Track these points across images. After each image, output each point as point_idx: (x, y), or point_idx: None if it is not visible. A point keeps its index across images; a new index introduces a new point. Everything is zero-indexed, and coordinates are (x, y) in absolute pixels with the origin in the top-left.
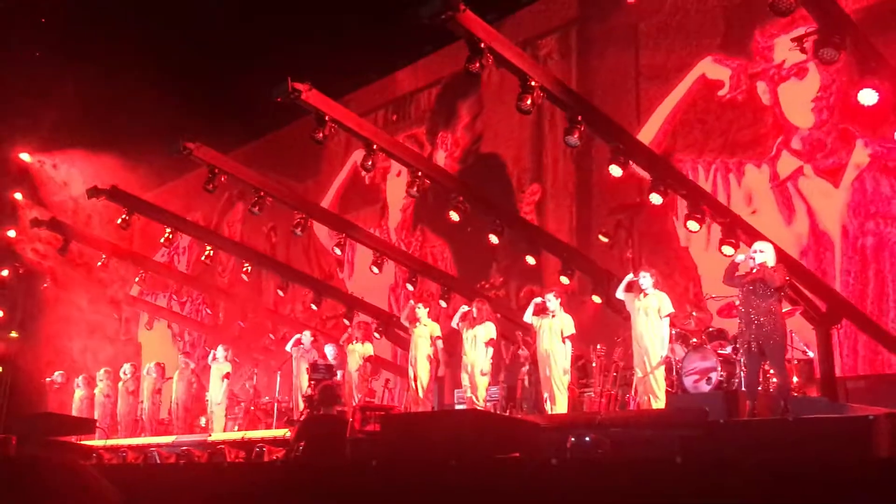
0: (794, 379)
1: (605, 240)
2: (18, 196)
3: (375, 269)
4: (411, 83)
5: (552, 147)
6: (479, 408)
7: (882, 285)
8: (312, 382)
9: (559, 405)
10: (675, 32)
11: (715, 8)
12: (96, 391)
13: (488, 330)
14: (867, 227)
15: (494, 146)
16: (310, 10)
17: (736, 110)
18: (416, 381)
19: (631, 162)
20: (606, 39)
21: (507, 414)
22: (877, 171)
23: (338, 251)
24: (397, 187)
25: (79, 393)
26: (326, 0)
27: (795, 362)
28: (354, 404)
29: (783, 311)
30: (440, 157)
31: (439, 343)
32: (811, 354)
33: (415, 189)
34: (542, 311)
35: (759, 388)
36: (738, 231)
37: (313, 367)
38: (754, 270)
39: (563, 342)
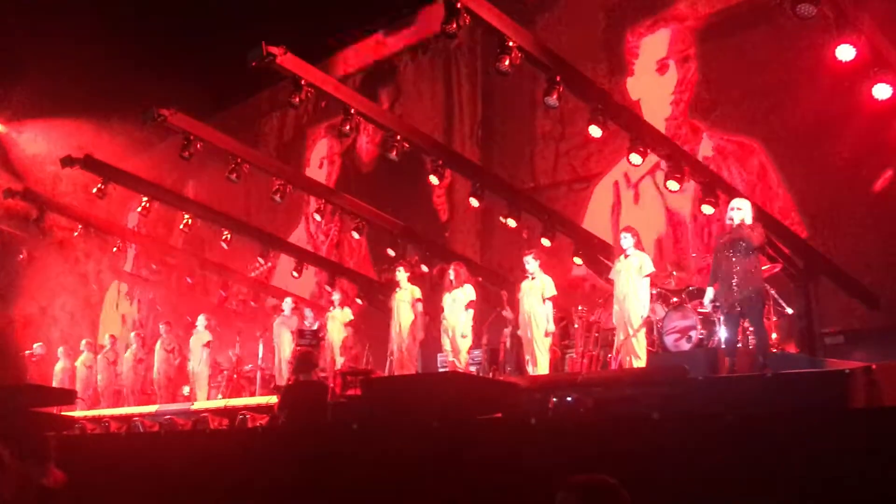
0: (773, 336)
1: (504, 221)
2: None
3: (356, 234)
4: (341, 69)
5: (460, 132)
6: (460, 370)
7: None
8: (300, 348)
9: (541, 366)
10: (566, 28)
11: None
12: (77, 362)
13: (467, 293)
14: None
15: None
16: None
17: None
18: (398, 345)
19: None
20: None
21: (490, 376)
22: (720, 161)
23: (318, 217)
24: (318, 176)
25: (60, 364)
26: None
27: (774, 319)
28: (336, 369)
29: (762, 268)
30: (362, 142)
31: (419, 306)
32: (789, 311)
33: (394, 153)
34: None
35: (739, 346)
36: (718, 190)
37: (300, 334)
38: (732, 228)
39: (544, 303)
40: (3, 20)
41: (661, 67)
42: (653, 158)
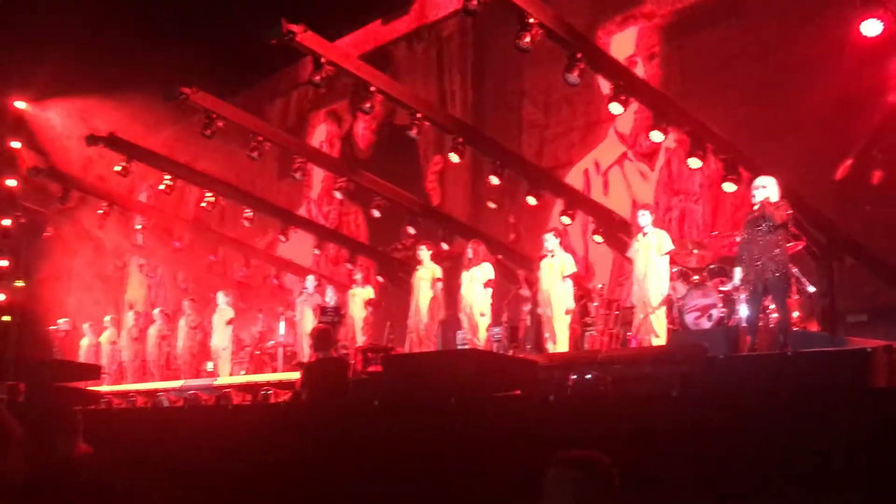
0: (795, 314)
1: (493, 206)
2: (16, 145)
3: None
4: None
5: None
6: (480, 348)
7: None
8: (320, 325)
9: (560, 344)
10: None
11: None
12: (102, 338)
13: (485, 271)
14: (673, 202)
15: (405, 118)
16: None
17: (579, 95)
18: (416, 323)
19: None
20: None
21: (510, 354)
22: (682, 154)
23: (338, 195)
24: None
25: (85, 340)
26: None
27: (796, 297)
28: (357, 346)
29: (787, 245)
30: (359, 128)
31: (439, 286)
32: (811, 289)
33: (414, 131)
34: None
35: (760, 324)
36: (740, 167)
37: (322, 311)
38: (756, 206)
39: (563, 281)
40: (27, 3)
41: (630, 64)
42: (621, 148)
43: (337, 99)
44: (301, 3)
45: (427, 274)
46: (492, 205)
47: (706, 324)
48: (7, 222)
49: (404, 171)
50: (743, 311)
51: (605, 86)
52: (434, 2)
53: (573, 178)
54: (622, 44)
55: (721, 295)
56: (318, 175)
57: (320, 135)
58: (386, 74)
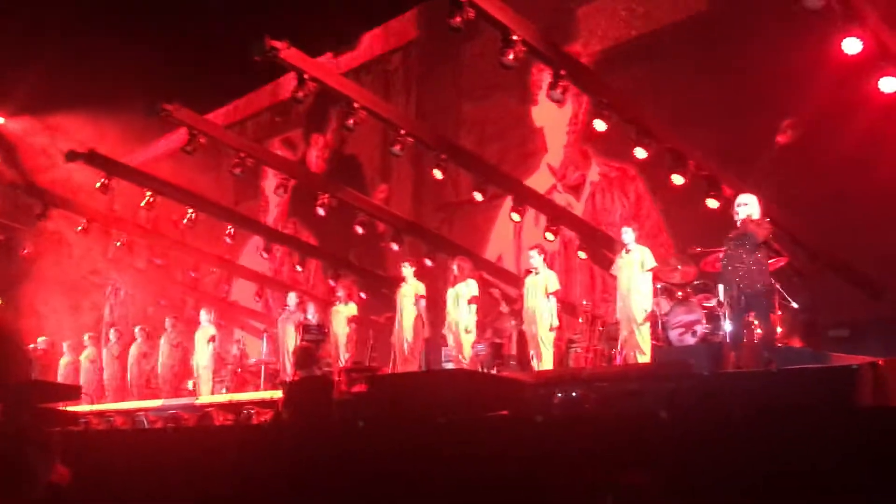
0: (778, 329)
1: (395, 247)
2: None
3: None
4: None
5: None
6: (465, 366)
7: (603, 280)
8: (303, 343)
9: (545, 361)
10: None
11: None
12: (82, 357)
13: (471, 287)
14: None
15: (354, 148)
16: None
17: (513, 129)
18: (400, 340)
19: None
20: (438, 60)
21: (495, 371)
22: (604, 187)
23: (321, 211)
24: (272, 185)
25: (64, 359)
26: None
27: (779, 313)
28: (341, 365)
29: (768, 262)
30: (312, 156)
31: (422, 302)
32: (794, 305)
33: (398, 148)
34: None
35: (744, 340)
36: (723, 184)
37: (305, 328)
38: (738, 224)
39: (548, 298)
40: (7, 15)
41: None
42: (551, 179)
43: (292, 127)
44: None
45: (410, 291)
46: (394, 246)
47: (690, 340)
48: None
49: (352, 188)
50: (727, 327)
51: (538, 120)
52: (380, 37)
53: (507, 206)
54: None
55: (705, 311)
56: (273, 199)
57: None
58: (339, 105)
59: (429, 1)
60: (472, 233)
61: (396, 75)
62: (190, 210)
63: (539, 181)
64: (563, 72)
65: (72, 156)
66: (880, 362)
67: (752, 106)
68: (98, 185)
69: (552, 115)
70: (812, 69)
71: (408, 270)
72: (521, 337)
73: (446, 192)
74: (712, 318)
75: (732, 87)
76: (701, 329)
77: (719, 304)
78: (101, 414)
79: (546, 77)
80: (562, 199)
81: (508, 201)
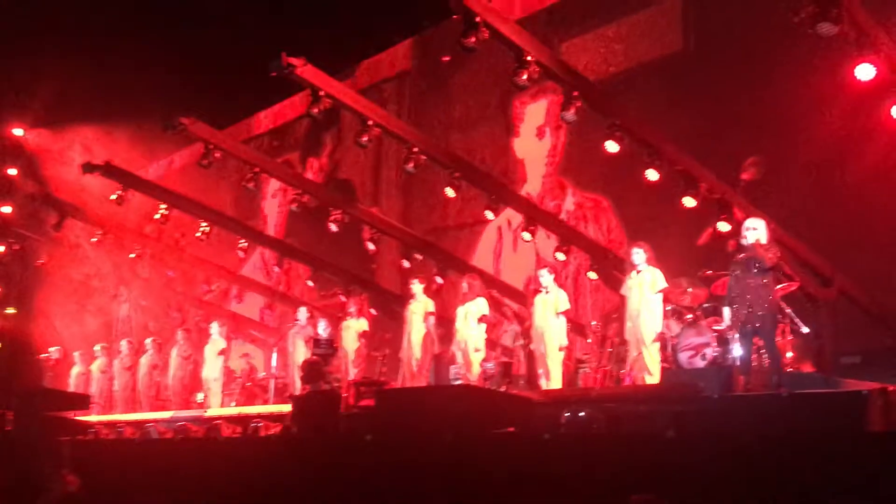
0: (789, 354)
1: (419, 257)
2: (13, 172)
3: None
4: (291, 113)
5: (387, 177)
6: (474, 384)
7: (581, 303)
8: (311, 358)
9: (554, 381)
10: (473, 89)
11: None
12: (93, 367)
13: (480, 306)
14: (570, 260)
15: (348, 173)
16: None
17: (497, 160)
18: (409, 357)
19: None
20: (428, 91)
21: (503, 389)
22: (579, 216)
23: (333, 227)
24: (272, 206)
25: (76, 369)
26: None
27: (790, 338)
28: (350, 380)
29: (778, 287)
30: (308, 178)
31: (431, 319)
32: (805, 330)
33: (411, 165)
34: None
35: (754, 364)
36: (734, 207)
37: (315, 343)
38: (746, 248)
39: (557, 317)
40: (27, 29)
41: (540, 133)
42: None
43: (289, 151)
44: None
45: (419, 308)
46: (418, 256)
47: (700, 363)
48: (1, 249)
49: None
50: (737, 350)
51: (519, 151)
52: (374, 67)
53: (489, 233)
54: (534, 114)
55: (715, 334)
56: (271, 219)
57: (275, 183)
58: (336, 128)
59: (422, 34)
60: (453, 257)
61: (389, 104)
62: (203, 223)
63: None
64: (575, 93)
65: (88, 168)
66: (891, 388)
67: (722, 139)
68: (114, 196)
69: (532, 147)
70: (803, 98)
71: (417, 287)
72: (530, 356)
73: (434, 217)
74: (722, 341)
75: (705, 120)
76: (711, 352)
77: (729, 326)
78: (110, 424)
79: (528, 111)
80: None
81: (491, 227)
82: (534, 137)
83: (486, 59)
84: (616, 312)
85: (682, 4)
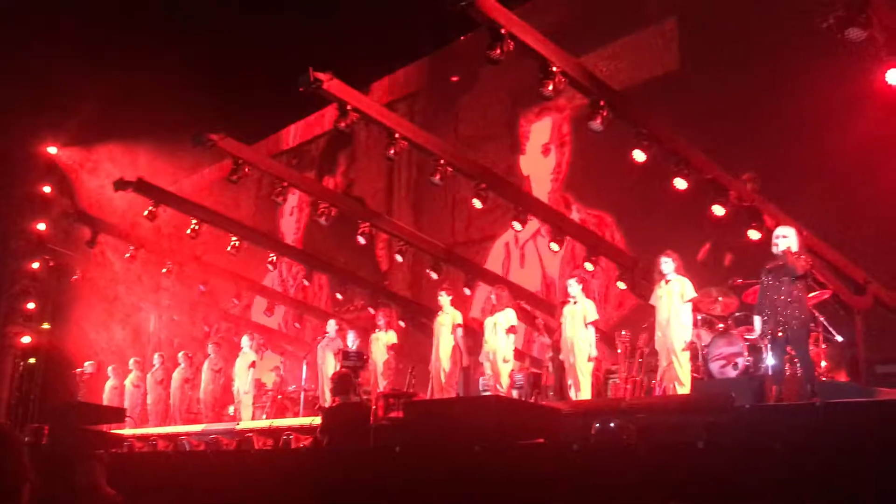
0: (823, 363)
1: (434, 276)
2: (47, 189)
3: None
4: (306, 134)
5: (398, 194)
6: (502, 395)
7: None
8: (341, 370)
9: (583, 391)
10: (481, 108)
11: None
12: (126, 381)
13: (508, 317)
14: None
15: (361, 191)
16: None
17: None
18: (437, 369)
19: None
20: (439, 110)
21: (532, 400)
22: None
23: (361, 240)
24: (289, 224)
25: (109, 383)
26: None
27: (823, 346)
28: (379, 392)
29: (809, 295)
30: None
31: (459, 331)
32: (839, 339)
33: (437, 177)
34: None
35: (787, 374)
36: (765, 215)
37: (344, 355)
38: (777, 257)
39: (586, 328)
40: (60, 49)
41: (545, 150)
42: (535, 224)
43: (306, 169)
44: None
45: (448, 320)
46: (433, 275)
47: (732, 372)
48: (36, 265)
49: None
50: (769, 360)
51: (525, 168)
52: (388, 86)
53: (497, 249)
54: (539, 132)
55: (747, 343)
56: (287, 237)
57: (292, 200)
58: (350, 148)
59: (433, 55)
60: (481, 269)
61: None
62: (234, 237)
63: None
64: (602, 102)
65: (120, 184)
66: None
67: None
68: (146, 213)
69: (538, 165)
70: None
71: (445, 299)
72: (559, 366)
73: (443, 234)
74: (754, 350)
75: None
76: (742, 361)
77: (760, 335)
78: (144, 437)
79: (534, 129)
80: (544, 242)
81: (499, 243)
82: (539, 154)
83: (493, 79)
84: (645, 322)
85: (678, 25)
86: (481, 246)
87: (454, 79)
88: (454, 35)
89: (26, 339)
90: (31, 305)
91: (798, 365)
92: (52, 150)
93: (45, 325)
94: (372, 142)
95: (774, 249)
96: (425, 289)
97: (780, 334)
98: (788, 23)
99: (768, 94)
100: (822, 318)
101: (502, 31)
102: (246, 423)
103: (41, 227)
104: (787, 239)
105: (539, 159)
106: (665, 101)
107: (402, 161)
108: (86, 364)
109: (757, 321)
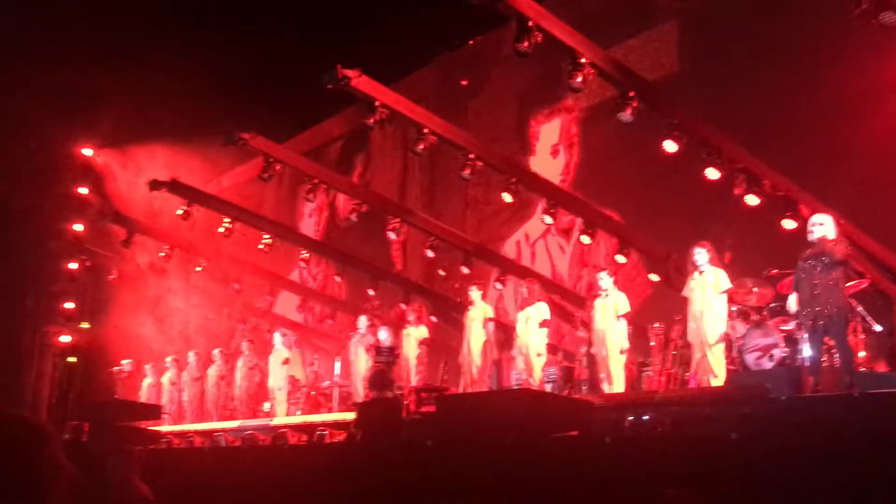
0: (862, 353)
1: (442, 273)
2: (83, 191)
3: (430, 253)
4: (323, 138)
5: (411, 195)
6: (534, 388)
7: None
8: (377, 365)
9: (616, 384)
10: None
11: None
12: (163, 379)
13: (541, 310)
14: (582, 273)
15: (380, 189)
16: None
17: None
18: (468, 364)
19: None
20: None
21: (566, 394)
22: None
23: (392, 235)
24: (308, 225)
25: (147, 380)
26: None
27: (862, 336)
28: (411, 386)
29: (847, 284)
30: (341, 198)
31: (490, 326)
32: (878, 328)
33: (467, 171)
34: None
35: (824, 364)
36: (801, 204)
37: (377, 350)
38: (814, 244)
39: (618, 321)
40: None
41: (554, 151)
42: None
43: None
44: None
45: (478, 314)
46: (441, 272)
47: (767, 364)
48: (73, 266)
49: (374, 238)
50: (806, 350)
51: (534, 169)
52: (398, 90)
53: (508, 248)
54: (549, 133)
55: (783, 334)
56: (308, 232)
57: (311, 204)
58: (366, 151)
59: (441, 58)
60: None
61: (412, 127)
62: (266, 236)
63: (536, 224)
64: (631, 93)
65: (155, 185)
66: None
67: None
68: (180, 212)
69: (547, 165)
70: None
71: (475, 294)
72: (591, 360)
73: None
74: (790, 341)
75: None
76: (778, 353)
77: (798, 325)
78: (181, 434)
79: (543, 130)
80: (554, 241)
81: (510, 242)
82: (548, 155)
83: (502, 82)
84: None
85: (678, 28)
86: (493, 246)
87: (463, 83)
88: (463, 39)
89: (66, 339)
90: (69, 305)
91: (836, 355)
92: (88, 151)
93: (84, 325)
94: (387, 143)
95: (810, 237)
96: (437, 285)
97: (818, 324)
98: (811, 20)
99: (781, 91)
100: (860, 308)
101: (530, 23)
102: (280, 419)
103: (78, 227)
104: (823, 226)
105: (548, 160)
106: (664, 103)
107: (416, 164)
108: (124, 362)
109: (792, 299)
